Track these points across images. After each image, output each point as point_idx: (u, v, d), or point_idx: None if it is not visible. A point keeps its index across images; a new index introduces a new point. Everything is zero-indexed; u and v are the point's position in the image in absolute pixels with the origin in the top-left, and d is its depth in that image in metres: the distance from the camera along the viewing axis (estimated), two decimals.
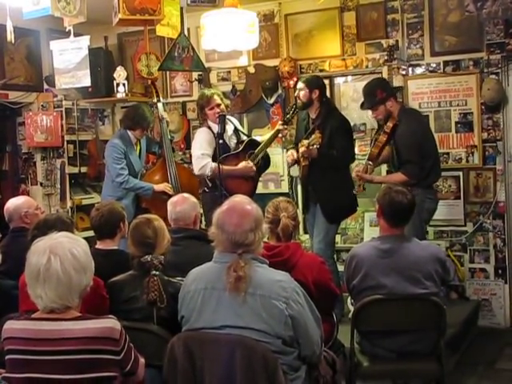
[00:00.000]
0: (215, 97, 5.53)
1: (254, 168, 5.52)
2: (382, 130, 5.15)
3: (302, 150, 5.19)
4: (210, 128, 5.54)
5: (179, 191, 5.43)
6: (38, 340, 2.34)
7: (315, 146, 5.08)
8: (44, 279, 2.33)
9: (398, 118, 5.03)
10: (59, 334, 2.33)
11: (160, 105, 6.03)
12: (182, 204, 3.96)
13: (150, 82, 6.10)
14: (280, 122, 5.62)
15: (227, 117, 5.57)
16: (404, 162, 4.99)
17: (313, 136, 5.13)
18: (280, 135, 5.70)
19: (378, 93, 5.05)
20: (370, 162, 5.09)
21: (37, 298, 2.38)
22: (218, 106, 5.50)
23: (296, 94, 5.46)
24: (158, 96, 6.07)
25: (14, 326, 2.44)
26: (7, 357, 2.40)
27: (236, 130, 5.73)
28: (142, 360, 2.59)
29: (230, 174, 5.37)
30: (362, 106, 5.33)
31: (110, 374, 2.33)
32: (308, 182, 5.48)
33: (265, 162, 5.71)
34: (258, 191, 6.34)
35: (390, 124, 5.06)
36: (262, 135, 5.93)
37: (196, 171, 5.48)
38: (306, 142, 5.17)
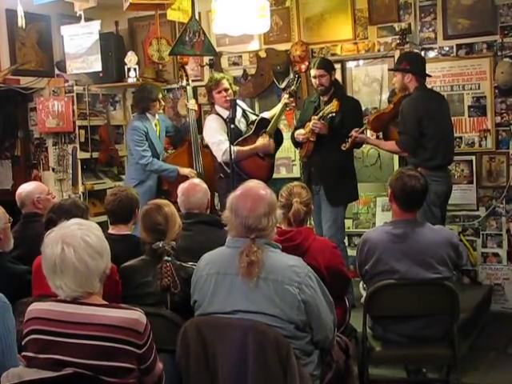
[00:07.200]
0: (224, 81, 5.56)
1: (273, 144, 5.50)
2: None
3: (313, 121, 5.19)
4: (218, 114, 5.57)
5: (203, 178, 5.41)
6: (63, 322, 2.34)
7: (330, 115, 5.13)
8: (61, 270, 2.33)
9: (410, 93, 5.03)
10: (84, 318, 2.33)
11: (189, 88, 6.06)
12: (195, 193, 3.97)
13: (180, 64, 6.18)
14: (286, 96, 5.61)
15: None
16: (400, 133, 5.01)
17: (329, 105, 5.15)
18: (288, 108, 5.69)
19: (403, 63, 5.06)
20: (367, 125, 5.22)
21: (57, 289, 2.38)
22: (226, 90, 5.54)
23: (318, 82, 5.34)
24: (187, 80, 6.08)
25: (39, 306, 2.44)
26: (29, 337, 2.39)
27: (244, 113, 5.74)
28: (160, 365, 2.56)
29: (252, 152, 5.42)
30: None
31: (128, 366, 2.33)
32: (311, 163, 5.44)
33: (277, 138, 5.68)
34: None
35: (398, 95, 5.13)
36: (269, 111, 5.92)
37: (220, 158, 5.43)
38: (316, 117, 5.19)
